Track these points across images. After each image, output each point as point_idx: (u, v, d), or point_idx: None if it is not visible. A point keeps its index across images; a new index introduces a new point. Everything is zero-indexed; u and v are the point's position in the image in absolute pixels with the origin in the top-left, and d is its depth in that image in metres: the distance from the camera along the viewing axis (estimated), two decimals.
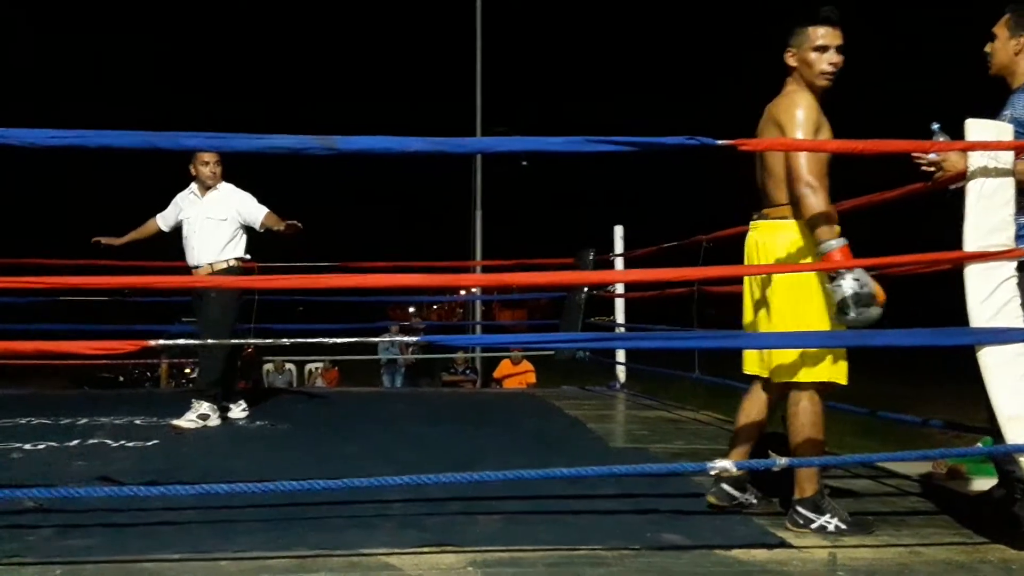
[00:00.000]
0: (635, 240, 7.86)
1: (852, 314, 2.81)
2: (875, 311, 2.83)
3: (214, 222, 5.47)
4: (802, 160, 2.95)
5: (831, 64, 3.07)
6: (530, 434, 5.24)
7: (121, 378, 13.38)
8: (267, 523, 3.00)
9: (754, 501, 3.32)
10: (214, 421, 5.34)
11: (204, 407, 5.30)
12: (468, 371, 11.69)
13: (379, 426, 5.51)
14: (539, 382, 10.42)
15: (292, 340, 2.96)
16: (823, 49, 3.06)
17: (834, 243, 2.88)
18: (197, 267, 5.50)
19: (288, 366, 12.34)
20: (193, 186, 5.58)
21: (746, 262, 3.32)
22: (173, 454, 4.39)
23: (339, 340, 2.99)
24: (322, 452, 4.48)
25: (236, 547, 2.73)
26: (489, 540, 2.86)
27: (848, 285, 2.80)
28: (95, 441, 4.69)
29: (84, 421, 5.40)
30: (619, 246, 7.91)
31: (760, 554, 2.80)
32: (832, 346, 3.04)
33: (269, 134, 2.53)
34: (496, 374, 10.87)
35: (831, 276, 2.89)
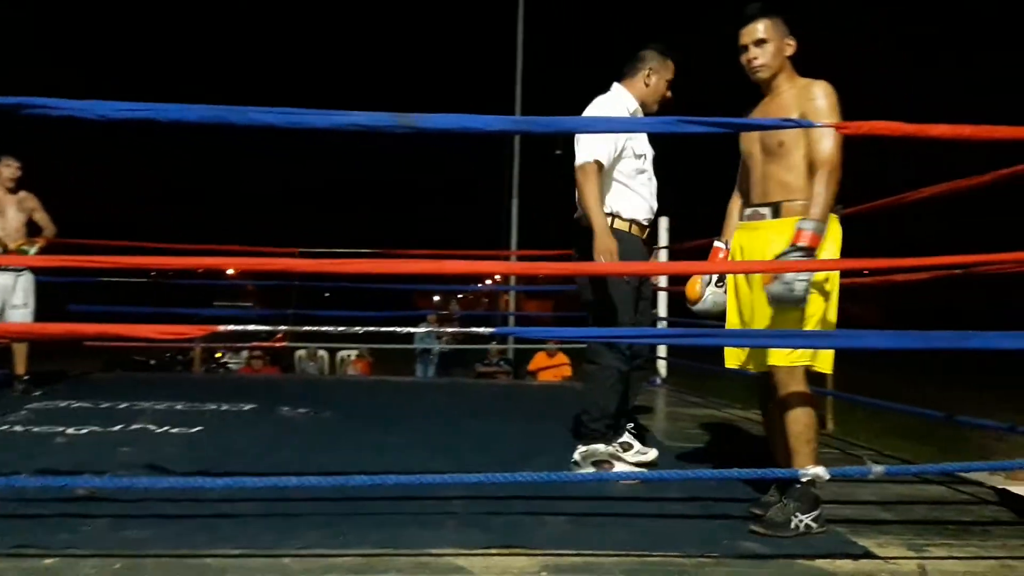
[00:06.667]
0: (685, 232, 7.68)
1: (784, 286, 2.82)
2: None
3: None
4: (838, 143, 2.88)
5: None
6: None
7: (153, 361, 13.32)
8: (326, 517, 2.88)
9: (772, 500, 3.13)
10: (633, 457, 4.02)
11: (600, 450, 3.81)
12: (502, 362, 11.57)
13: (424, 417, 5.40)
14: (575, 375, 10.27)
15: (365, 328, 2.83)
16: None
17: (820, 227, 2.85)
18: (650, 220, 4.04)
19: (320, 353, 12.26)
20: (633, 99, 3.98)
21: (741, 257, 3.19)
22: (220, 442, 4.30)
23: (406, 329, 2.87)
24: (370, 443, 4.38)
25: (298, 543, 2.62)
26: (559, 543, 2.73)
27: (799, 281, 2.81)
28: (138, 426, 4.62)
29: (124, 405, 5.34)
30: (664, 238, 7.75)
31: (846, 564, 2.65)
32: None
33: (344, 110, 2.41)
34: (531, 366, 10.72)
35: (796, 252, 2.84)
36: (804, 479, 2.78)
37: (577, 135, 3.75)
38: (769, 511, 2.90)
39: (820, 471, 2.61)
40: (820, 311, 2.96)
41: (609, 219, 3.78)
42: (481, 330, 3.67)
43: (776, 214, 3.03)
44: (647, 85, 3.92)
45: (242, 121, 2.35)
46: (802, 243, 2.82)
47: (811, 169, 2.93)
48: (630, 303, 3.84)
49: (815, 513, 2.86)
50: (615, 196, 3.84)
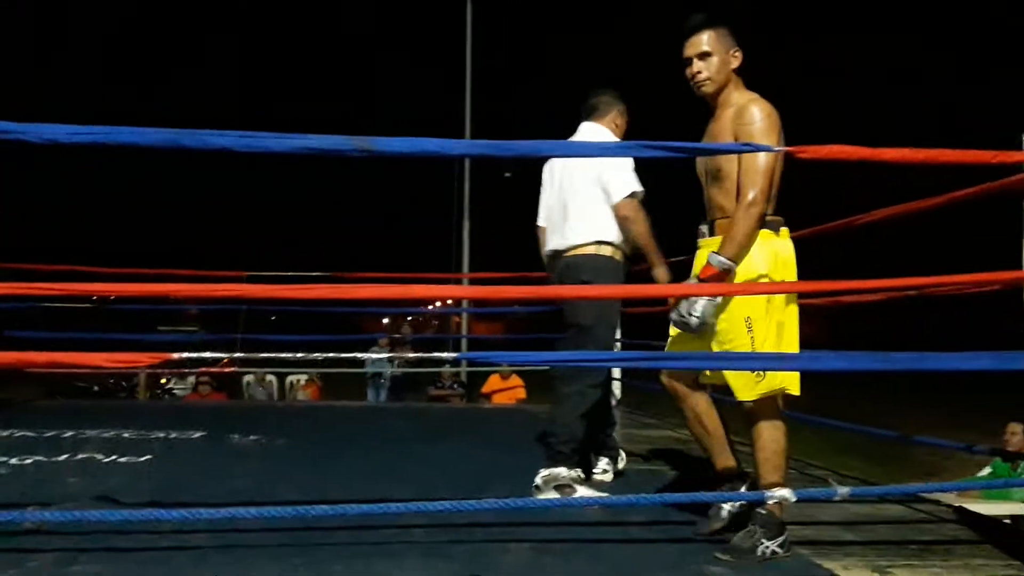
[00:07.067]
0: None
1: (680, 317, 2.88)
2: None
3: None
4: (766, 173, 2.80)
5: None
6: (538, 454, 5.05)
7: (96, 388, 13.01)
8: (284, 548, 2.80)
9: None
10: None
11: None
12: (455, 385, 11.48)
13: (379, 443, 5.33)
14: (529, 397, 10.23)
15: (325, 355, 2.77)
16: None
17: (726, 264, 2.82)
18: None
19: (269, 378, 12.05)
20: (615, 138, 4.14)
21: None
22: (170, 470, 4.19)
23: (365, 355, 2.80)
24: (326, 470, 4.31)
25: None
26: (524, 572, 2.69)
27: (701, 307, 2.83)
28: (85, 456, 4.48)
29: (70, 434, 5.19)
30: None
31: None
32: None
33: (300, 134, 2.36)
34: (485, 389, 10.65)
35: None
36: (770, 502, 2.77)
37: (605, 173, 3.84)
38: (735, 537, 2.88)
39: (786, 493, 2.60)
40: (770, 337, 2.88)
41: (605, 248, 3.87)
42: (444, 355, 3.62)
43: (711, 232, 3.02)
44: (617, 126, 4.13)
45: (197, 145, 2.29)
46: (703, 275, 2.85)
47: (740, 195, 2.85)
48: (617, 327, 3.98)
49: (781, 539, 2.84)
50: (611, 225, 3.88)
